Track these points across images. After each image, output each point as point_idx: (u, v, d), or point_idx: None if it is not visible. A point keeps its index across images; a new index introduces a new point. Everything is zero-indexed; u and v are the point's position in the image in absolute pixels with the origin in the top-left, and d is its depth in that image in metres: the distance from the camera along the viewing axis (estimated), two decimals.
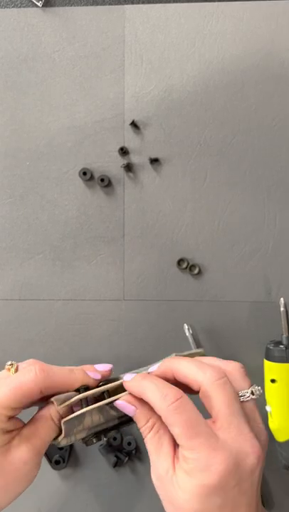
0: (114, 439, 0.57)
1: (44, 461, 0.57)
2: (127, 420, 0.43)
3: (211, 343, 0.56)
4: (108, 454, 0.57)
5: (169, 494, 0.35)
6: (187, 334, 0.55)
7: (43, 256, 0.57)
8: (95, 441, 0.42)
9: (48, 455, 0.57)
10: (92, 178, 0.56)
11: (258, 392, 0.38)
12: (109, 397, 0.42)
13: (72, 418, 0.39)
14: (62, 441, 0.40)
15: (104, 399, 0.42)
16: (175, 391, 0.36)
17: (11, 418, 0.39)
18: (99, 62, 0.56)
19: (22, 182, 0.57)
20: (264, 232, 0.56)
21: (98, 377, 0.43)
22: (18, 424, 0.40)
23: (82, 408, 0.40)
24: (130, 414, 0.40)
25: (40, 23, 0.56)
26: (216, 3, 0.55)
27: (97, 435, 0.43)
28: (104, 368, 0.44)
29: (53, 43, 0.56)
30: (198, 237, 0.56)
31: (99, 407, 0.40)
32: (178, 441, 0.35)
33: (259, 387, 0.39)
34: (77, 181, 0.57)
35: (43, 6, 0.56)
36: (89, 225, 0.57)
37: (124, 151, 0.56)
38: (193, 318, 0.56)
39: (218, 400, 0.35)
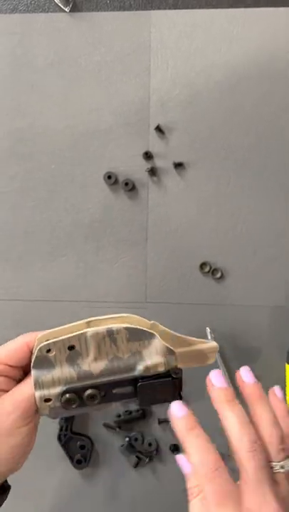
0: (136, 439, 0.57)
1: (66, 460, 0.58)
2: (105, 387, 0.38)
3: (232, 346, 0.57)
4: (129, 455, 0.58)
5: None
6: (209, 337, 0.56)
7: (66, 258, 0.58)
8: (73, 405, 0.38)
9: (70, 455, 0.58)
10: (116, 182, 0.57)
11: (287, 468, 0.38)
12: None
13: (36, 359, 0.37)
14: (37, 393, 0.37)
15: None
16: (214, 459, 0.37)
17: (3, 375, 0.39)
18: (124, 67, 0.56)
19: (46, 185, 0.58)
20: (287, 238, 0.56)
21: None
22: (10, 385, 0.40)
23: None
24: (184, 471, 0.38)
25: (67, 27, 0.57)
26: (243, 9, 0.55)
27: (75, 398, 0.38)
28: None
29: (79, 48, 0.57)
30: (221, 241, 0.57)
31: (68, 358, 0.37)
32: (206, 508, 0.36)
33: None
34: (101, 185, 0.57)
35: (70, 11, 0.56)
36: (112, 229, 0.58)
37: (148, 156, 0.56)
38: (215, 322, 0.57)
39: (247, 468, 0.36)
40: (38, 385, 0.38)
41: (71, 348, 0.39)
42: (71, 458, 0.58)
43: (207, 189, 0.56)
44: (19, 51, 0.57)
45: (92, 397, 0.38)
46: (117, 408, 0.58)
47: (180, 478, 0.57)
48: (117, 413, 0.58)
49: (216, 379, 0.39)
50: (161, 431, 0.58)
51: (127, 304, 0.58)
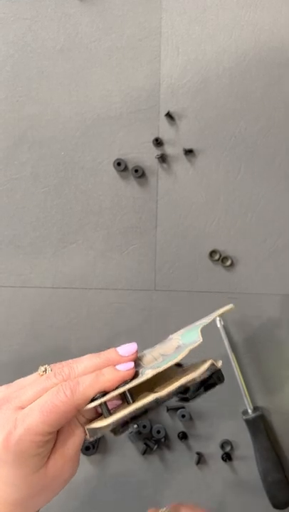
0: (144, 426, 0.57)
1: None
2: (153, 408, 0.41)
3: (242, 335, 0.57)
4: (137, 442, 0.58)
5: None
6: (219, 326, 0.55)
7: (76, 245, 0.58)
8: (121, 431, 0.40)
9: None
10: (126, 168, 0.57)
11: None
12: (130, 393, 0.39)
13: (98, 427, 0.38)
14: (90, 439, 0.39)
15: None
16: None
17: (47, 441, 0.37)
18: (135, 53, 0.56)
19: (56, 172, 0.58)
20: None
21: (130, 367, 0.39)
22: (53, 440, 0.38)
23: (106, 415, 0.38)
24: None
25: (78, 13, 0.56)
26: None
27: (125, 425, 0.40)
28: (131, 350, 0.40)
29: (89, 34, 0.56)
30: (230, 229, 0.56)
31: (129, 412, 0.38)
32: None
33: None
34: (111, 172, 0.57)
35: None
36: (122, 216, 0.58)
37: (158, 142, 0.56)
38: None
39: None
40: (93, 435, 0.38)
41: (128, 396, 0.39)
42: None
43: (217, 176, 0.56)
44: (29, 37, 0.57)
45: (140, 418, 0.40)
46: None
47: (188, 465, 0.58)
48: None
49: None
50: (169, 418, 0.58)
51: (136, 292, 0.58)
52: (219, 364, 0.41)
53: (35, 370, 0.59)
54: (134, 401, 0.39)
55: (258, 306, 0.57)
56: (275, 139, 0.55)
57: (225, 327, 0.56)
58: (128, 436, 0.58)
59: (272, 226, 0.56)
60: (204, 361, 0.41)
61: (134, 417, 0.40)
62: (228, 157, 0.56)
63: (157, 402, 0.39)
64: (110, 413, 0.38)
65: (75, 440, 0.38)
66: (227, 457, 0.57)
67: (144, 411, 0.40)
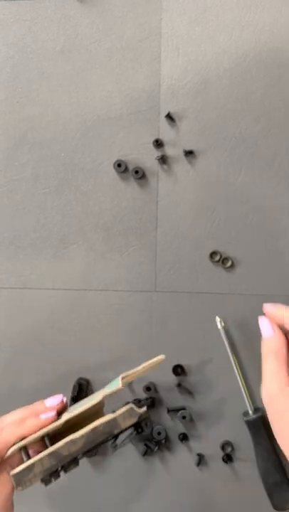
0: (146, 426, 0.57)
1: None
2: (85, 453, 0.43)
3: (243, 336, 0.56)
4: (138, 443, 0.58)
5: (281, 408, 0.41)
6: (219, 327, 0.55)
7: (77, 246, 0.58)
8: (53, 480, 0.42)
9: None
10: (126, 170, 0.57)
11: None
12: (51, 437, 0.42)
13: (20, 471, 0.40)
14: (18, 488, 0.41)
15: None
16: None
17: None
18: (135, 54, 0.56)
19: (57, 173, 0.58)
20: None
21: (52, 415, 0.43)
22: None
23: (25, 458, 0.41)
24: (265, 335, 0.46)
25: (77, 14, 0.56)
26: None
27: (56, 473, 0.42)
28: (55, 402, 0.44)
29: (89, 35, 0.56)
30: (231, 230, 0.56)
31: (48, 453, 0.41)
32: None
33: None
34: (111, 173, 0.57)
35: None
36: (122, 217, 0.58)
37: (159, 143, 0.56)
38: (226, 312, 0.56)
39: None
40: (19, 484, 0.40)
41: (46, 441, 0.42)
42: None
43: (217, 177, 0.56)
44: (29, 38, 0.57)
45: (70, 465, 0.43)
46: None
47: (189, 467, 0.58)
48: (126, 402, 0.58)
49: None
50: (170, 420, 0.58)
51: (137, 293, 0.58)
52: (140, 410, 0.43)
53: (35, 371, 0.59)
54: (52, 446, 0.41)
55: (258, 307, 0.56)
56: (275, 139, 0.55)
57: (225, 328, 0.56)
58: (128, 438, 0.58)
59: (273, 227, 0.56)
60: (125, 406, 0.43)
61: (63, 466, 0.42)
62: (229, 158, 0.56)
63: (88, 450, 0.42)
64: (29, 457, 0.41)
65: (3, 490, 0.41)
66: (228, 458, 0.57)
67: (73, 459, 0.42)
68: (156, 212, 0.57)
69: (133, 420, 0.42)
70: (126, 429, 0.43)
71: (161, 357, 0.45)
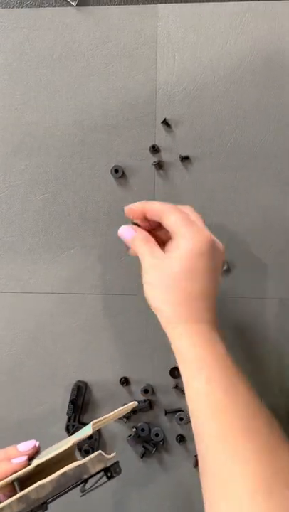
0: (142, 430, 0.58)
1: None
2: (54, 497, 0.43)
3: (238, 339, 0.57)
4: (136, 445, 0.58)
5: (165, 272, 0.45)
6: None
7: (75, 251, 0.59)
8: None
9: (78, 445, 0.59)
10: (123, 175, 0.57)
11: None
12: (21, 481, 0.43)
13: None
14: None
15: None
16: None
17: None
18: (132, 61, 0.57)
19: (55, 179, 0.58)
20: None
21: (23, 460, 0.44)
22: None
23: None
24: (129, 237, 0.50)
25: (74, 22, 0.57)
26: (250, 2, 0.55)
27: None
28: (27, 446, 0.45)
29: (86, 42, 0.57)
30: (227, 234, 0.57)
31: (17, 498, 0.41)
32: (175, 229, 0.46)
33: None
34: (108, 179, 0.58)
35: (77, 5, 0.57)
36: (119, 222, 0.58)
37: (155, 149, 0.57)
38: (221, 315, 0.57)
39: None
40: None
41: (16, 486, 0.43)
42: (79, 448, 0.59)
43: (213, 182, 0.57)
44: (27, 46, 0.58)
45: (39, 509, 0.43)
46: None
47: (186, 468, 0.58)
48: (124, 403, 0.59)
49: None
50: (167, 422, 0.59)
51: (134, 297, 0.58)
52: (109, 456, 0.44)
53: (34, 375, 0.60)
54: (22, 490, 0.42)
55: (254, 310, 0.57)
56: (270, 145, 0.56)
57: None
58: (126, 440, 0.58)
59: (268, 231, 0.57)
60: (94, 452, 0.44)
61: (32, 510, 0.42)
62: (224, 163, 0.57)
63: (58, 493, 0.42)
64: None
65: None
66: None
67: (43, 503, 0.42)
68: None
69: (102, 465, 0.43)
70: (96, 473, 0.44)
71: (133, 404, 0.47)
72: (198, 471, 0.58)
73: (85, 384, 0.59)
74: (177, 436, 0.58)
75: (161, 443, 0.58)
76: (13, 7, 0.57)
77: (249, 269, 0.57)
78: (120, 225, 0.58)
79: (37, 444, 0.46)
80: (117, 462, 0.44)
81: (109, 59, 0.57)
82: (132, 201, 0.57)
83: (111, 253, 0.58)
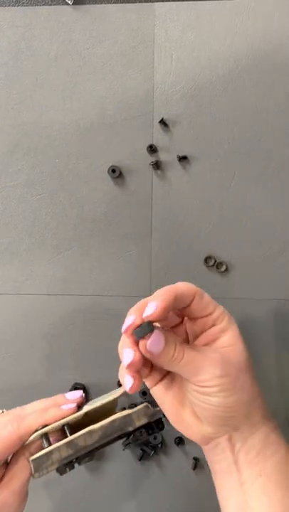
0: (140, 432, 0.58)
1: None
2: (98, 448, 0.45)
3: None
4: (134, 448, 0.58)
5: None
6: None
7: (72, 252, 0.58)
8: (68, 470, 0.44)
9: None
10: (120, 175, 0.57)
11: None
12: (72, 428, 0.44)
13: (38, 456, 0.42)
14: (35, 475, 0.42)
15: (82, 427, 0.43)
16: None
17: None
18: (128, 60, 0.56)
19: (51, 179, 0.58)
20: None
21: (72, 406, 0.45)
22: (1, 472, 0.43)
23: (46, 445, 0.42)
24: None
25: (71, 20, 0.57)
26: (248, 0, 0.55)
27: (70, 464, 0.44)
28: (75, 395, 0.46)
29: (83, 41, 0.57)
30: (225, 234, 0.57)
31: (66, 442, 0.42)
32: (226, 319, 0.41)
33: None
34: (105, 179, 0.57)
35: (73, 3, 0.56)
36: (117, 222, 0.58)
37: (152, 149, 0.56)
38: None
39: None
40: (37, 471, 0.42)
41: (66, 430, 0.44)
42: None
43: (212, 182, 0.56)
44: (23, 45, 0.57)
45: (84, 458, 0.44)
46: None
47: (185, 471, 0.58)
48: (122, 407, 0.58)
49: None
50: (166, 424, 0.58)
51: (132, 298, 0.58)
52: (156, 409, 0.44)
53: (31, 377, 0.59)
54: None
55: (253, 311, 0.57)
56: (269, 144, 0.56)
57: None
58: (124, 443, 0.58)
59: (267, 231, 0.56)
60: (141, 404, 0.45)
61: (77, 458, 0.44)
62: (222, 163, 0.56)
63: (101, 444, 0.44)
64: (50, 444, 0.42)
65: (21, 475, 0.42)
66: None
67: (88, 453, 0.44)
68: (150, 218, 0.57)
69: (147, 419, 0.44)
70: (138, 428, 0.45)
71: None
72: (196, 473, 0.58)
73: (83, 386, 0.58)
74: (175, 438, 0.58)
75: (159, 445, 0.57)
76: (8, 5, 0.57)
77: (248, 270, 0.57)
78: (119, 225, 0.57)
79: (83, 395, 0.47)
80: (161, 419, 0.45)
81: (106, 58, 0.57)
82: (131, 201, 0.57)
83: (108, 254, 0.58)
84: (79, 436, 0.42)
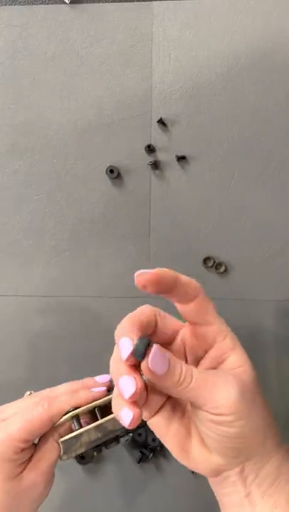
0: (139, 434, 0.57)
1: None
2: (126, 433, 0.45)
3: None
4: (133, 450, 0.57)
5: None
6: None
7: (70, 253, 0.58)
8: (95, 453, 0.45)
9: None
10: (118, 175, 0.56)
11: None
12: (101, 411, 0.44)
13: (68, 438, 0.42)
14: (64, 457, 0.42)
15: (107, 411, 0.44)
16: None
17: (23, 449, 0.41)
18: (126, 60, 0.56)
19: (49, 180, 0.57)
20: None
21: (103, 389, 0.45)
22: (30, 453, 0.42)
23: (77, 427, 0.43)
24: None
25: (68, 20, 0.56)
26: None
27: (98, 447, 0.44)
28: (104, 379, 0.46)
29: (80, 40, 0.56)
30: (224, 235, 0.56)
31: (96, 425, 0.43)
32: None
33: None
34: (103, 179, 0.57)
35: (71, 2, 0.56)
36: (115, 223, 0.57)
37: (151, 149, 0.56)
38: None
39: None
40: (65, 452, 0.42)
41: (97, 413, 0.44)
42: None
43: (210, 182, 0.56)
44: (20, 44, 0.56)
45: (112, 442, 0.45)
46: None
47: (183, 473, 0.57)
48: None
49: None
50: None
51: (131, 299, 0.57)
52: None
53: (27, 379, 0.59)
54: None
55: (252, 312, 0.56)
56: (268, 144, 0.55)
57: None
58: (123, 445, 0.57)
59: (266, 232, 0.56)
60: None
61: (105, 442, 0.44)
62: (222, 163, 0.56)
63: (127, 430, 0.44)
64: (81, 426, 0.43)
65: (49, 456, 0.42)
66: None
67: (115, 437, 0.44)
68: (149, 218, 0.57)
69: None
70: None
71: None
72: (195, 476, 0.57)
73: None
74: None
75: (158, 448, 0.57)
76: (5, 4, 0.56)
77: (247, 271, 0.56)
78: (117, 226, 0.57)
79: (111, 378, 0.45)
80: None
81: (104, 57, 0.56)
82: (129, 202, 0.57)
83: (107, 254, 0.57)
84: (108, 420, 0.43)
